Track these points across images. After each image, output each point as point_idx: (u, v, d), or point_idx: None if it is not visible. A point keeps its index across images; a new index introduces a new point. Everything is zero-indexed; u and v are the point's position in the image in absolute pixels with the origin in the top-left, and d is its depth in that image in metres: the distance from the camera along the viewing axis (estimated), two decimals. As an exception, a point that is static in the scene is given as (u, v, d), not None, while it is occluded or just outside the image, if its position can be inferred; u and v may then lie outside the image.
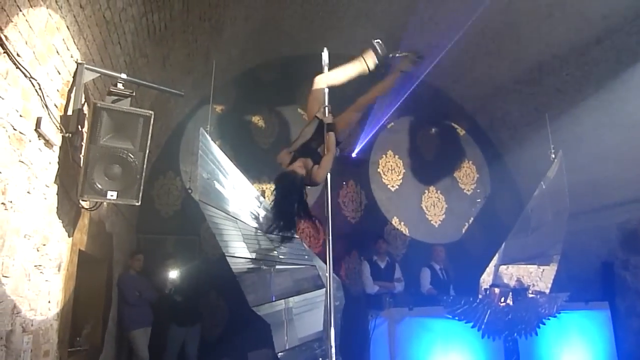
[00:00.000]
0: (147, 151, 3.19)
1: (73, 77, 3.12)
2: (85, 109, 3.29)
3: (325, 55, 3.89)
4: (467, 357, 5.07)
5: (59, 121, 2.94)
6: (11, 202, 2.35)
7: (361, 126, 7.76)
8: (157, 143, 6.51)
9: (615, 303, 6.50)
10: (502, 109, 8.09)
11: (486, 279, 5.90)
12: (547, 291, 5.66)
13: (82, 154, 3.14)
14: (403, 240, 7.77)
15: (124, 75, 3.30)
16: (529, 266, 5.93)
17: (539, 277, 5.83)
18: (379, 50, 3.84)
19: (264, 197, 7.12)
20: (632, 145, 6.24)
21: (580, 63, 6.32)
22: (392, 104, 7.92)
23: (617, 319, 6.08)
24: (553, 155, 6.12)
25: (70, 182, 3.17)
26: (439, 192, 8.18)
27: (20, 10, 2.29)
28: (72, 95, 3.11)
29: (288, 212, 3.41)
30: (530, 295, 5.61)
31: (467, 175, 8.45)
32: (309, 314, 4.53)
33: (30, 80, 2.49)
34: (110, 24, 3.45)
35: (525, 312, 5.28)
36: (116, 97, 3.20)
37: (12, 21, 2.22)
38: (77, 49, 3.11)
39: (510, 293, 5.40)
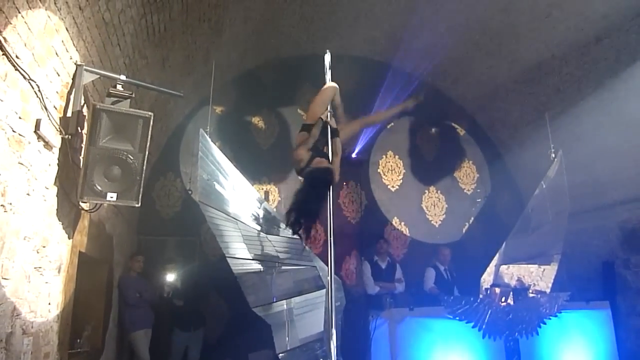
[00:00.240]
0: (147, 152, 3.19)
1: (72, 78, 3.11)
2: (85, 110, 3.29)
3: (327, 57, 3.89)
4: (468, 357, 5.06)
5: (59, 123, 2.94)
6: (11, 204, 2.35)
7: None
8: (157, 144, 6.51)
9: (616, 302, 6.50)
10: (502, 109, 8.09)
11: (487, 278, 5.90)
12: (548, 291, 5.66)
13: (82, 155, 3.14)
14: (403, 240, 7.77)
15: (123, 77, 3.30)
16: (529, 266, 5.93)
17: (539, 277, 5.83)
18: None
19: (269, 199, 7.15)
20: (632, 144, 6.24)
21: (580, 62, 6.32)
22: (392, 105, 7.93)
23: (618, 318, 6.08)
24: (553, 155, 6.13)
25: (70, 183, 3.17)
26: (439, 192, 8.18)
27: (19, 12, 2.28)
28: (72, 96, 3.11)
29: (314, 209, 3.39)
30: (531, 295, 5.60)
31: (467, 175, 8.44)
32: (309, 315, 4.53)
33: (29, 82, 2.48)
34: (110, 26, 3.45)
35: (526, 312, 5.28)
36: (116, 99, 3.20)
37: (10, 23, 2.22)
38: (77, 50, 3.11)
39: (511, 293, 5.40)
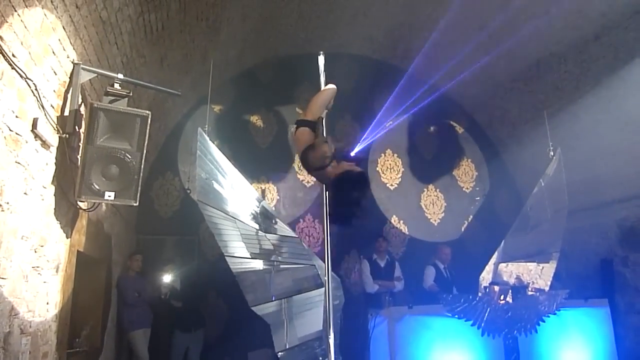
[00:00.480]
0: (145, 151, 3.18)
1: (70, 77, 3.10)
2: (82, 109, 3.28)
3: (321, 59, 3.84)
4: (467, 355, 5.06)
5: (56, 122, 2.93)
6: (8, 203, 2.34)
7: (361, 126, 7.78)
8: (155, 143, 6.50)
9: (615, 300, 6.51)
10: (500, 107, 8.09)
11: (486, 276, 5.90)
12: (547, 289, 5.67)
13: (80, 154, 3.13)
14: (402, 238, 7.77)
15: (120, 76, 3.29)
16: (528, 264, 5.93)
17: (538, 275, 5.84)
18: None
19: (267, 197, 7.14)
20: (631, 142, 6.24)
21: (578, 60, 6.32)
22: (391, 104, 7.94)
23: (616, 316, 6.08)
24: (552, 153, 6.13)
25: (68, 183, 3.16)
26: (438, 190, 8.18)
27: (15, 11, 2.27)
28: (69, 95, 3.10)
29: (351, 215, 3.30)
30: (530, 293, 5.61)
31: (466, 174, 8.45)
32: (308, 314, 4.53)
33: (26, 81, 2.47)
34: (107, 24, 3.44)
35: (524, 310, 5.28)
36: (113, 98, 3.20)
37: (7, 21, 2.21)
38: (74, 49, 3.09)
39: (510, 291, 5.40)
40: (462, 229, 8.11)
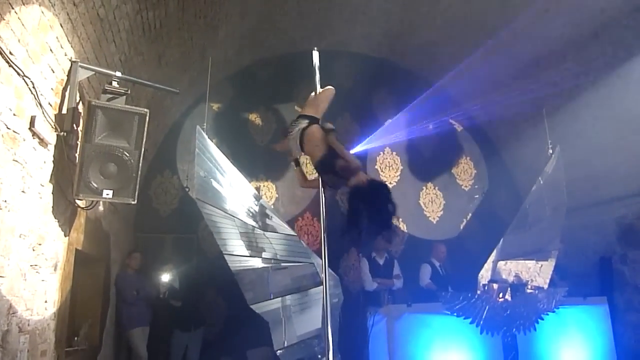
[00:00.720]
0: (143, 149, 3.17)
1: (67, 75, 3.10)
2: (80, 107, 3.27)
3: (315, 55, 3.83)
4: (466, 353, 5.07)
5: (54, 120, 2.93)
6: (5, 201, 2.34)
7: (360, 125, 7.78)
8: (153, 142, 6.49)
9: (614, 298, 6.51)
10: (499, 105, 8.08)
11: (484, 274, 5.90)
12: (546, 286, 5.67)
13: (77, 152, 3.12)
14: (401, 237, 7.77)
15: (118, 73, 3.28)
16: (527, 262, 5.93)
17: (537, 273, 5.84)
18: None
19: (266, 196, 7.14)
20: (630, 140, 6.24)
21: (577, 58, 6.31)
22: (389, 102, 7.93)
23: (615, 313, 6.09)
24: (550, 151, 6.13)
25: (66, 181, 3.15)
26: (436, 188, 8.17)
27: (12, 8, 2.26)
28: (67, 93, 3.09)
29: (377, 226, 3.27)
30: (529, 291, 5.61)
31: (465, 172, 8.44)
32: (307, 312, 4.53)
33: (23, 79, 2.47)
34: (105, 22, 3.43)
35: (523, 308, 5.28)
36: (111, 96, 3.19)
37: (4, 19, 2.20)
38: (71, 47, 3.09)
39: (509, 289, 5.40)
40: (461, 227, 8.11)
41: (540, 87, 7.11)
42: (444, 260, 6.65)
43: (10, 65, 2.31)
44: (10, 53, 2.30)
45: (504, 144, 8.51)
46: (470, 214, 8.22)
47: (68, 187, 3.17)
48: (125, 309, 5.43)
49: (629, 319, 6.51)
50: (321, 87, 3.72)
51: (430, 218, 8.01)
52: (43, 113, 2.73)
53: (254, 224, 4.47)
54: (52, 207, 3.04)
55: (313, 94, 3.71)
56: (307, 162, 6.97)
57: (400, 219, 7.85)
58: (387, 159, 8.05)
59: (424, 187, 8.12)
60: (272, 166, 7.33)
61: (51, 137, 2.91)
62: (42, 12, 2.59)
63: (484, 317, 5.09)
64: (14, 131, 2.40)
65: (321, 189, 3.47)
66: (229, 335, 6.42)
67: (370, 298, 6.11)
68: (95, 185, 3.00)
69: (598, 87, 6.23)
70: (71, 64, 3.10)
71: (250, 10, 6.20)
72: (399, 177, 8.01)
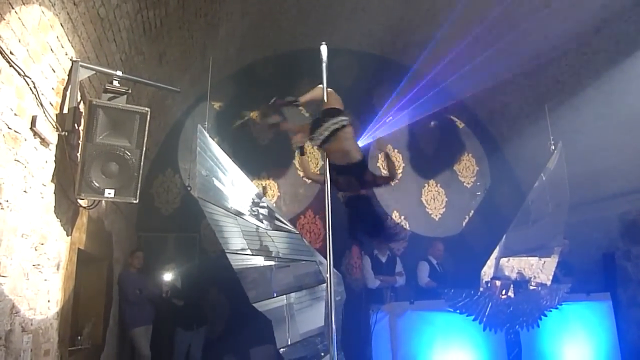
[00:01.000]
0: (144, 148, 3.17)
1: (68, 75, 3.09)
2: (81, 107, 3.27)
3: (324, 49, 3.83)
4: (469, 350, 5.07)
5: (55, 119, 2.92)
6: (7, 201, 2.34)
7: (361, 122, 7.76)
8: (155, 141, 6.49)
9: (617, 294, 6.50)
10: (501, 101, 8.07)
11: (487, 271, 5.88)
12: (549, 283, 5.65)
13: (79, 152, 3.12)
14: (403, 233, 7.75)
15: (119, 73, 3.28)
16: (530, 258, 5.92)
17: (540, 269, 5.82)
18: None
19: (268, 194, 7.14)
20: (632, 136, 6.22)
21: (579, 53, 6.29)
22: (391, 99, 7.92)
23: (619, 309, 6.08)
24: (553, 147, 6.10)
25: (68, 180, 3.15)
26: (438, 185, 8.16)
27: (13, 8, 2.26)
28: (68, 93, 3.09)
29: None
30: (532, 288, 5.60)
31: (467, 168, 8.43)
32: (310, 310, 4.52)
33: (24, 79, 2.46)
34: (105, 21, 3.42)
35: (526, 304, 5.28)
36: (112, 95, 3.18)
37: (4, 19, 2.20)
38: (72, 46, 3.08)
39: (512, 285, 5.39)
40: (464, 224, 8.10)
41: (542, 83, 7.09)
42: (442, 258, 6.64)
43: (11, 65, 2.31)
44: (11, 53, 2.30)
45: (506, 140, 8.49)
46: (472, 211, 8.21)
47: (70, 186, 3.17)
48: (128, 308, 5.44)
49: (633, 315, 6.50)
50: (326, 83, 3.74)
51: (432, 215, 8.01)
52: (44, 113, 2.73)
53: (256, 222, 4.47)
54: (54, 206, 3.04)
55: (321, 86, 3.71)
56: (313, 153, 7.01)
57: (403, 216, 7.85)
58: (388, 156, 8.03)
59: (426, 184, 8.12)
60: (273, 164, 7.33)
61: (52, 136, 2.91)
62: (43, 11, 2.59)
63: (487, 314, 5.09)
64: (16, 131, 2.40)
65: (327, 188, 3.47)
66: (231, 334, 6.43)
67: (372, 296, 6.11)
68: (97, 184, 3.00)
69: (600, 83, 6.21)
70: (72, 64, 3.10)
71: (251, 8, 6.19)
72: (401, 175, 7.99)
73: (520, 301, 5.26)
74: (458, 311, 5.06)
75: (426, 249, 6.82)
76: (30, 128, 2.58)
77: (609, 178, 6.81)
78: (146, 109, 3.15)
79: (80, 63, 3.12)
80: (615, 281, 6.73)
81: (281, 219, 4.70)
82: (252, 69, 7.62)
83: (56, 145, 2.99)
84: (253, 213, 4.51)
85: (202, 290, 6.20)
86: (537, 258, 5.86)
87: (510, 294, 5.31)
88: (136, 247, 6.16)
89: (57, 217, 3.12)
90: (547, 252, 5.82)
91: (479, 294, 5.21)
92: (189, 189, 6.45)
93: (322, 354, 4.30)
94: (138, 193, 3.19)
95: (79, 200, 3.41)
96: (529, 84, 7.28)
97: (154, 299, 5.69)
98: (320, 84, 3.75)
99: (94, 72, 3.27)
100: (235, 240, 4.33)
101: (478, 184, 8.40)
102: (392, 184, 3.45)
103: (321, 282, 4.55)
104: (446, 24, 6.74)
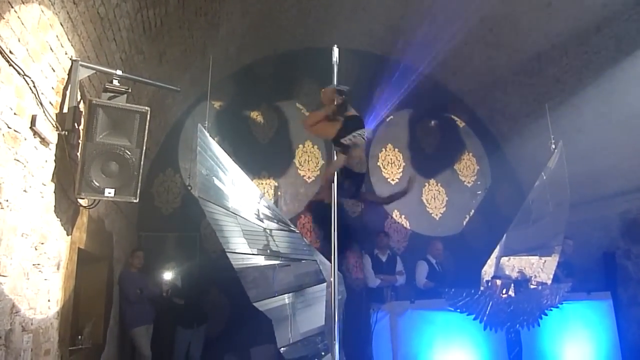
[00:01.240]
0: (144, 147, 3.17)
1: (68, 74, 3.09)
2: (81, 106, 3.27)
3: (335, 52, 3.92)
4: (470, 349, 5.06)
5: (55, 119, 2.92)
6: (7, 200, 2.33)
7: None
8: (155, 140, 6.49)
9: (618, 293, 6.49)
10: (501, 100, 8.06)
11: (488, 270, 5.87)
12: (549, 282, 5.65)
13: (79, 151, 3.12)
14: (404, 233, 7.76)
15: (119, 72, 3.27)
16: (530, 257, 5.91)
17: (540, 268, 5.82)
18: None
19: (268, 193, 7.14)
20: (633, 135, 6.21)
21: (579, 52, 6.28)
22: (391, 98, 7.91)
23: (619, 308, 6.07)
24: (553, 146, 6.09)
25: (68, 180, 3.15)
26: (439, 184, 8.16)
27: (12, 7, 2.26)
28: (68, 92, 3.08)
29: None
30: (532, 287, 5.59)
31: (467, 168, 8.42)
32: (310, 309, 4.52)
33: (24, 78, 2.46)
34: (105, 20, 3.42)
35: (527, 303, 5.27)
36: (112, 94, 3.18)
37: (3, 18, 2.19)
38: (72, 45, 3.08)
39: (512, 284, 5.38)
40: (464, 223, 8.10)
41: (542, 82, 7.08)
42: (441, 257, 6.63)
43: (10, 65, 2.31)
44: (11, 52, 2.29)
45: (507, 139, 8.48)
46: (473, 210, 8.21)
47: (70, 186, 3.17)
48: (129, 308, 5.44)
49: (633, 313, 6.50)
50: (325, 85, 3.81)
51: (433, 214, 8.01)
52: (44, 112, 2.73)
53: (256, 221, 4.47)
54: (54, 206, 3.04)
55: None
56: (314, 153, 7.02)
57: (403, 216, 7.85)
58: (389, 155, 8.04)
59: (427, 184, 8.12)
60: (274, 164, 7.33)
61: (52, 136, 2.91)
62: (42, 11, 2.59)
63: (487, 313, 5.08)
64: (15, 130, 2.40)
65: (335, 189, 3.54)
66: (232, 333, 6.43)
67: (373, 295, 6.11)
68: (97, 184, 3.00)
69: (601, 82, 6.19)
70: (72, 63, 3.09)
71: (251, 8, 6.18)
72: (401, 174, 8.00)
73: (520, 300, 5.26)
74: (459, 310, 5.06)
75: (425, 249, 6.82)
76: (30, 127, 2.58)
77: (610, 177, 6.80)
78: (146, 108, 3.15)
79: (80, 62, 3.12)
80: (616, 280, 6.73)
81: (281, 218, 4.69)
82: (252, 68, 7.62)
83: (56, 145, 2.99)
84: (253, 212, 4.51)
85: (202, 290, 6.20)
86: (537, 257, 5.86)
87: (511, 293, 5.31)
88: (136, 246, 6.16)
89: (57, 217, 3.11)
90: (547, 251, 5.81)
91: (479, 293, 5.20)
92: (189, 188, 6.45)
93: (323, 353, 4.30)
94: (138, 192, 3.19)
95: (79, 200, 3.41)
96: (530, 83, 7.27)
97: (155, 299, 5.70)
98: (329, 84, 3.88)
99: (94, 71, 3.26)
100: (235, 239, 4.32)
101: (478, 183, 8.40)
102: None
103: (321, 282, 4.55)
104: (447, 23, 6.74)
